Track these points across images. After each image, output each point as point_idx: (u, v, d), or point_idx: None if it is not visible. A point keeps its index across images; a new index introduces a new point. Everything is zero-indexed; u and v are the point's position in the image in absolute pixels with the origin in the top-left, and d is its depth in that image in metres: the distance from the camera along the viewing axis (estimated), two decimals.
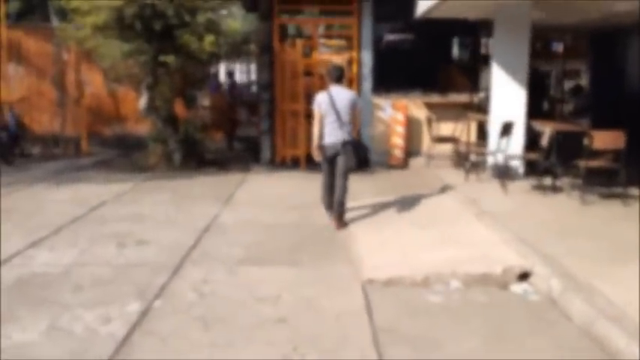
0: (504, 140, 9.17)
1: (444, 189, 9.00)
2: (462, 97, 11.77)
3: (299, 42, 11.60)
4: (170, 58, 9.83)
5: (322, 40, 12.49)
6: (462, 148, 10.74)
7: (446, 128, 11.17)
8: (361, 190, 9.25)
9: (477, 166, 9.81)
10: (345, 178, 7.20)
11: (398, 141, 11.59)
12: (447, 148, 11.08)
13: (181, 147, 11.36)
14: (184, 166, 11.30)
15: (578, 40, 14.54)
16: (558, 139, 8.30)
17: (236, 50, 11.95)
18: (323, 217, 7.78)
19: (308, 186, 9.89)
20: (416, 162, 11.54)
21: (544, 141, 8.46)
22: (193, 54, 9.72)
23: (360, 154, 7.14)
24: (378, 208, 8.04)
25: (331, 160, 7.22)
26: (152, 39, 9.99)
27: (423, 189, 9.43)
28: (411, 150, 11.78)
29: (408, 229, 6.96)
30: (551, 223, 6.95)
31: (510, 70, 9.52)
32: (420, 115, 11.88)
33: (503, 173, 9.03)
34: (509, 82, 9.53)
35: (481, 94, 12.01)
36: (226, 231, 7.23)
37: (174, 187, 9.72)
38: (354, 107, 7.23)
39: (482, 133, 11.49)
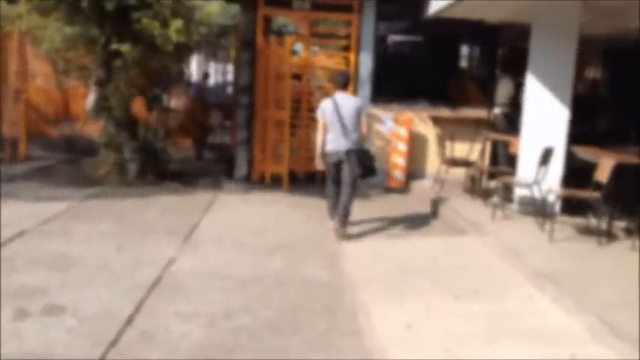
0: (542, 170, 7.03)
1: (468, 229, 6.80)
2: (476, 113, 9.61)
3: (288, 38, 9.28)
4: (125, 47, 7.42)
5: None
6: (478, 174, 8.57)
7: (458, 149, 8.98)
8: (357, 222, 7.02)
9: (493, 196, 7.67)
10: (352, 186, 6.66)
11: (399, 160, 9.36)
12: (456, 172, 8.88)
13: (138, 156, 8.96)
14: (141, 179, 8.89)
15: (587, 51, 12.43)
16: (621, 174, 6.17)
17: (211, 44, 9.52)
18: (315, 265, 5.54)
19: (292, 214, 7.60)
20: (419, 186, 9.33)
21: (601, 175, 6.32)
22: (156, 43, 7.33)
23: (364, 163, 6.61)
24: (388, 260, 5.79)
25: (336, 167, 6.69)
26: (104, 22, 7.59)
27: (437, 226, 7.21)
28: (413, 172, 9.58)
29: (440, 302, 4.71)
30: (632, 289, 4.79)
31: (551, 84, 7.36)
32: (426, 132, 9.68)
33: (542, 211, 6.90)
34: (549, 99, 7.37)
35: (496, 111, 9.85)
36: (182, 290, 4.90)
37: (122, 210, 7.31)
38: (359, 114, 6.68)
39: (494, 157, 9.34)
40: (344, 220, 6.62)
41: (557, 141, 7.30)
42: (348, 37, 9.63)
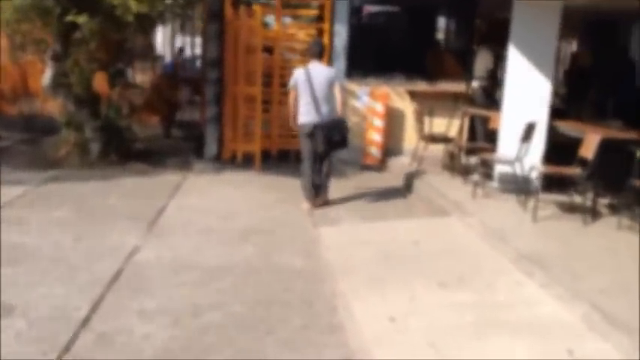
0: (524, 146, 6.71)
1: (449, 209, 6.47)
2: (454, 87, 9.23)
3: (258, 8, 8.74)
4: (82, 18, 6.84)
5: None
6: (457, 151, 8.24)
7: (437, 124, 8.62)
8: (333, 203, 6.67)
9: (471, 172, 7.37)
10: (323, 162, 6.63)
11: (375, 137, 8.97)
12: (435, 148, 8.52)
13: (101, 135, 8.42)
14: (104, 160, 8.36)
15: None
16: (607, 150, 5.89)
17: (177, 15, 8.92)
18: (290, 251, 5.17)
19: (265, 196, 7.19)
20: (396, 163, 8.96)
21: (586, 151, 6.03)
22: (115, 14, 6.76)
23: (334, 138, 6.42)
24: (368, 245, 5.43)
25: (309, 139, 6.47)
26: None
27: (416, 206, 6.87)
28: (391, 148, 9.20)
29: (425, 291, 4.37)
30: (623, 273, 4.52)
31: (533, 57, 7.00)
32: (403, 107, 9.28)
33: (524, 189, 6.61)
34: (531, 73, 7.02)
35: (474, 84, 9.50)
36: (145, 284, 4.48)
37: (82, 195, 6.82)
38: (331, 85, 6.50)
39: (473, 132, 9.02)
40: (324, 198, 6.65)
41: (539, 116, 6.97)
42: (321, 7, 9.13)
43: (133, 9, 6.54)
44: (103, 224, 5.77)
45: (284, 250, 5.32)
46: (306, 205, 6.59)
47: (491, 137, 7.84)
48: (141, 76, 11.57)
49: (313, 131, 6.40)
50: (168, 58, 16.50)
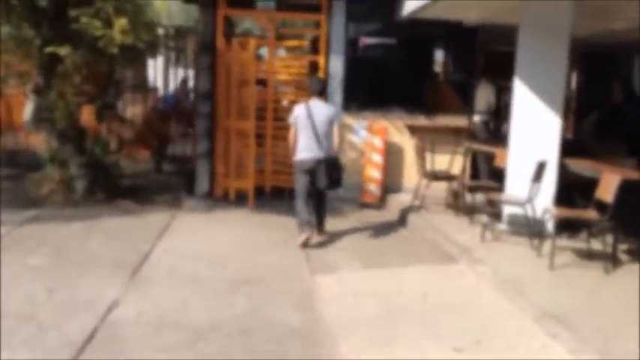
0: (535, 186, 6.21)
1: (457, 255, 5.94)
2: (454, 121, 8.78)
3: (251, 40, 8.30)
4: (64, 50, 6.36)
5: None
6: (461, 189, 7.73)
7: (438, 161, 8.13)
8: (331, 244, 6.15)
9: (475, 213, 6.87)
10: (321, 198, 6.58)
11: (374, 173, 8.47)
12: (437, 186, 8.00)
13: (86, 172, 7.89)
14: (89, 198, 7.80)
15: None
16: (628, 191, 5.40)
17: (167, 47, 8.46)
18: (285, 305, 4.61)
19: (259, 237, 6.65)
20: (395, 201, 8.43)
21: (604, 193, 5.53)
22: (98, 45, 6.27)
23: (332, 175, 6.30)
24: (371, 298, 4.87)
25: (307, 176, 6.34)
26: (39, 21, 6.51)
27: (421, 250, 6.33)
28: (390, 185, 8.69)
29: (439, 356, 3.81)
30: None
31: (541, 90, 6.56)
32: (402, 141, 8.81)
33: (535, 232, 6.10)
34: (539, 107, 6.57)
35: (475, 118, 9.06)
36: (122, 348, 3.89)
37: (63, 237, 6.24)
38: (332, 123, 6.42)
39: (474, 169, 8.54)
40: (321, 227, 6.59)
41: (549, 153, 6.50)
42: (316, 39, 8.71)
43: (117, 40, 6.06)
44: (80, 273, 5.19)
45: (278, 303, 4.76)
46: (301, 238, 6.27)
47: (497, 175, 7.38)
48: (132, 109, 11.07)
49: (314, 167, 6.27)
50: (161, 91, 16.03)
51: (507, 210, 6.72)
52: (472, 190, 7.66)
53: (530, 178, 6.16)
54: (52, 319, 4.25)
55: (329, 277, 5.39)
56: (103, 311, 4.41)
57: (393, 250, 6.31)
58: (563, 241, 6.08)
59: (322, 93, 6.67)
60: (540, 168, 6.22)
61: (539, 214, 6.26)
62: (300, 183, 6.39)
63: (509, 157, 6.79)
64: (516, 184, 6.57)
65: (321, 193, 6.50)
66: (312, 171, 6.29)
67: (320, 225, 6.60)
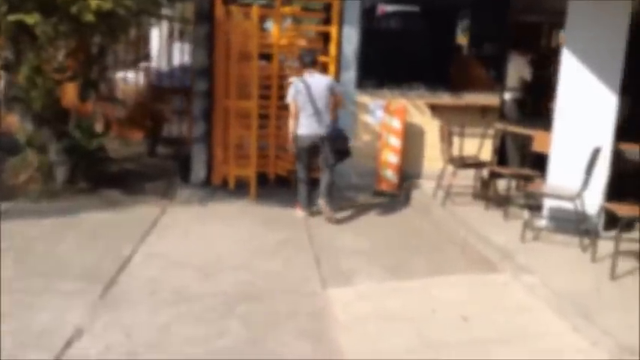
0: (587, 177, 5.13)
1: (496, 260, 4.89)
2: (483, 99, 7.66)
3: (254, 8, 7.15)
4: (32, 18, 5.27)
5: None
6: (492, 177, 6.64)
7: (466, 145, 7.02)
8: (344, 248, 5.12)
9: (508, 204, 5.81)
10: (330, 172, 6.21)
11: (391, 158, 7.39)
12: (462, 174, 6.89)
13: (68, 158, 6.87)
14: (71, 187, 6.82)
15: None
16: None
17: (154, 15, 7.32)
18: (292, 332, 3.59)
19: (261, 236, 5.62)
20: (416, 190, 7.35)
21: None
22: (72, 12, 5.18)
23: (338, 148, 6.13)
24: (398, 321, 3.84)
25: (308, 153, 6.15)
26: None
27: (452, 253, 5.28)
28: (409, 171, 7.61)
29: None
30: None
31: (596, 64, 5.44)
32: (423, 123, 7.70)
33: (584, 230, 5.06)
34: (592, 84, 5.46)
35: (507, 96, 7.94)
36: None
37: (31, 239, 5.21)
38: (332, 93, 6.16)
39: (503, 155, 7.41)
40: (329, 204, 6.14)
41: (602, 138, 5.41)
42: (328, 7, 7.57)
43: (92, 6, 4.96)
44: (43, 288, 4.18)
45: (283, 329, 3.74)
46: (300, 212, 6.24)
47: (533, 161, 6.31)
48: (125, 87, 9.98)
49: (317, 144, 6.07)
50: (164, 67, 14.91)
51: (549, 203, 5.65)
52: (494, 175, 6.57)
53: (584, 168, 5.08)
54: None
55: (345, 290, 4.35)
56: (61, 346, 3.40)
57: (418, 252, 5.27)
58: (623, 243, 5.00)
59: (315, 64, 6.24)
60: (594, 156, 5.14)
61: (589, 208, 5.22)
62: (301, 161, 6.21)
63: (553, 141, 5.70)
64: (561, 173, 5.50)
65: (329, 170, 6.18)
66: (314, 148, 6.08)
67: (326, 204, 6.13)
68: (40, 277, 4.37)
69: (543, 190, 5.56)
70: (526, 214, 5.48)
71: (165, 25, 12.62)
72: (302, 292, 4.35)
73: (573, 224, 5.15)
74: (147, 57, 13.06)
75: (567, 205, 5.22)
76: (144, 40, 13.58)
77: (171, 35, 15.48)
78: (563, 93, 5.60)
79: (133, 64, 11.39)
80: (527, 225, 5.33)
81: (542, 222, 5.66)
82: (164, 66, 15.46)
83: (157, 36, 14.73)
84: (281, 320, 3.88)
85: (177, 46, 17.06)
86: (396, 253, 5.25)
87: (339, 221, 6.11)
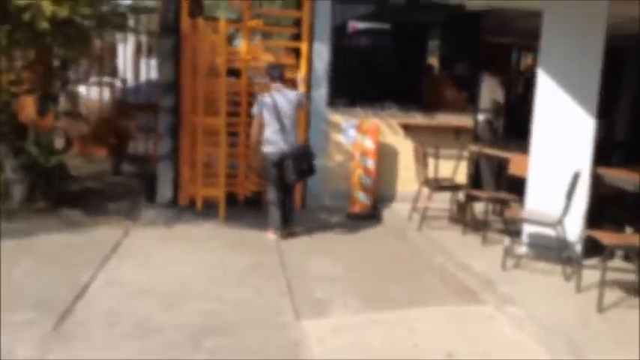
0: (567, 203, 4.96)
1: (478, 290, 4.65)
2: (456, 120, 7.52)
3: (222, 22, 6.88)
4: None
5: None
6: (468, 200, 6.45)
7: (440, 167, 6.82)
8: (318, 274, 4.84)
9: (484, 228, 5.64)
10: (291, 193, 6.21)
11: (364, 180, 7.15)
12: (437, 197, 6.66)
13: (25, 176, 6.46)
14: (29, 206, 6.41)
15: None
16: None
17: (119, 26, 6.97)
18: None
19: (230, 261, 5.29)
20: (390, 212, 7.13)
21: None
22: (25, 21, 4.80)
23: (302, 167, 5.93)
24: (375, 355, 3.57)
25: (276, 168, 5.96)
26: None
27: (431, 281, 5.04)
28: (382, 193, 7.40)
29: None
30: None
31: (570, 86, 5.32)
32: (396, 143, 7.53)
33: (565, 257, 4.89)
34: (568, 105, 5.33)
35: (480, 117, 7.82)
36: None
37: None
38: (299, 108, 6.19)
39: (478, 177, 7.23)
40: (291, 223, 6.17)
41: (580, 162, 5.26)
42: (298, 22, 7.36)
43: (46, 13, 4.60)
44: None
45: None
46: (271, 235, 6.02)
47: (509, 184, 6.15)
48: (88, 103, 9.57)
49: (281, 161, 5.89)
50: (131, 82, 14.47)
51: (529, 229, 5.47)
52: (469, 198, 6.38)
53: (563, 193, 4.92)
54: None
55: (320, 322, 4.06)
56: None
57: (396, 280, 5.01)
58: (594, 268, 4.83)
59: (282, 78, 6.08)
60: (575, 180, 4.99)
61: (569, 235, 5.06)
62: (271, 175, 6.03)
63: (530, 165, 5.54)
64: (540, 197, 5.34)
65: (289, 187, 6.11)
66: (279, 164, 5.91)
67: (288, 223, 6.11)
68: None
69: (523, 215, 5.38)
70: (507, 240, 5.27)
71: (132, 39, 12.27)
72: (274, 323, 4.04)
73: (554, 251, 4.97)
74: (113, 72, 12.68)
75: (547, 231, 5.03)
76: (110, 54, 13.19)
77: (139, 51, 15.08)
78: (540, 116, 5.44)
79: (98, 79, 10.97)
80: (507, 252, 5.13)
81: (522, 249, 5.47)
82: (131, 81, 15.02)
83: (123, 51, 14.31)
84: (252, 356, 3.57)
85: (144, 62, 16.65)
86: (373, 280, 4.99)
87: (295, 234, 6.12)
